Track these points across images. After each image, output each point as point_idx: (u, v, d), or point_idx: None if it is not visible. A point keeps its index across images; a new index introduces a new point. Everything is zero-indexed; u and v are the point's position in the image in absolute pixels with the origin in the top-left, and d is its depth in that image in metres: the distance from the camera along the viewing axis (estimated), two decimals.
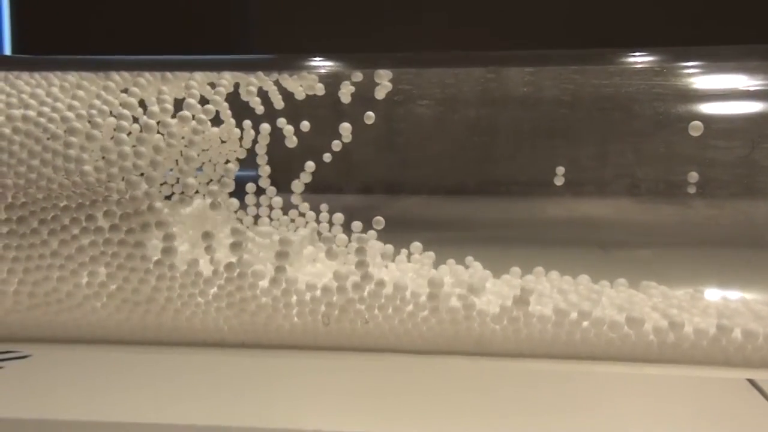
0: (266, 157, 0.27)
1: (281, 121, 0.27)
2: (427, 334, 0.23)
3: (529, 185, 0.27)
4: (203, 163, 0.26)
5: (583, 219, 0.27)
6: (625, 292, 0.25)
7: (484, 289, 0.24)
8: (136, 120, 0.25)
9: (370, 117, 0.25)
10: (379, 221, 0.23)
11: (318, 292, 0.23)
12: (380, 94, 0.26)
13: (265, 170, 0.27)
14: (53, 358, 0.25)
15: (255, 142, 0.27)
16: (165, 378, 0.22)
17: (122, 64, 0.27)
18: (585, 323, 0.23)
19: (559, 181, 0.26)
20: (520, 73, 0.25)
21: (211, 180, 0.26)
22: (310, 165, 0.27)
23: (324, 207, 0.26)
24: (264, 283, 0.23)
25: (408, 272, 0.25)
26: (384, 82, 0.26)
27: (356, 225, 0.25)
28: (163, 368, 0.23)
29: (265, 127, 0.27)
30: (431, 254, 0.25)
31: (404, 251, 0.25)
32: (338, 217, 0.25)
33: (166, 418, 0.19)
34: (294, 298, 0.23)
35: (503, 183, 0.26)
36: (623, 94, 0.25)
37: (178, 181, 0.25)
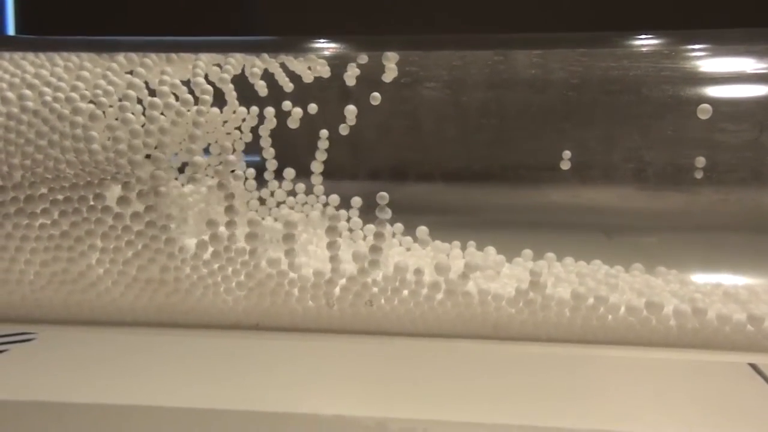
0: (270, 140, 0.27)
1: (287, 104, 0.27)
2: (443, 318, 0.23)
3: (534, 169, 0.27)
4: (209, 144, 0.26)
5: (589, 204, 0.27)
6: (640, 277, 0.25)
7: (499, 272, 0.24)
8: (140, 101, 0.25)
9: (375, 98, 0.25)
10: (383, 197, 0.23)
11: (328, 276, 0.23)
12: (387, 77, 0.26)
13: (269, 152, 0.27)
14: (60, 339, 0.25)
15: (259, 124, 0.27)
16: (172, 360, 0.22)
17: (128, 45, 0.27)
18: (602, 308, 0.23)
19: (565, 165, 0.26)
20: (528, 55, 0.25)
21: (219, 163, 0.26)
22: (316, 148, 0.27)
23: (331, 190, 0.26)
24: (274, 267, 0.23)
25: (420, 256, 0.25)
26: (390, 65, 0.26)
27: (361, 205, 0.25)
28: (171, 350, 0.23)
29: (270, 110, 0.27)
30: (442, 238, 0.25)
31: (413, 235, 0.25)
32: (357, 200, 0.25)
33: (170, 402, 0.19)
34: (305, 281, 0.23)
35: (509, 167, 0.26)
36: (631, 77, 0.24)
37: (185, 164, 0.25)
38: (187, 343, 0.23)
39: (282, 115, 0.27)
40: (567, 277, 0.24)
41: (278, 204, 0.26)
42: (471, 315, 0.23)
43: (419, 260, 0.25)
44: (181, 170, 0.25)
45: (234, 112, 0.26)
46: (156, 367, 0.22)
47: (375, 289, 0.23)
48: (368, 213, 0.26)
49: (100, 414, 0.21)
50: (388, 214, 0.23)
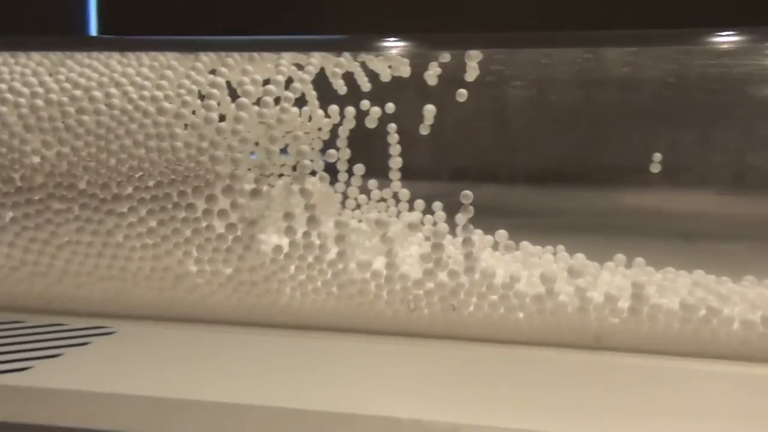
0: (347, 140, 0.27)
1: (365, 103, 0.26)
2: (537, 327, 0.23)
3: (622, 172, 0.26)
4: (287, 144, 0.26)
5: (678, 209, 0.26)
6: (752, 290, 0.23)
7: (596, 279, 0.23)
8: (222, 101, 0.25)
9: (461, 94, 0.25)
10: (467, 195, 0.23)
11: (412, 279, 0.23)
12: (470, 75, 0.25)
13: (346, 153, 0.26)
14: (138, 334, 0.25)
15: (338, 124, 0.26)
16: (254, 358, 0.22)
17: (211, 44, 0.27)
18: (714, 320, 0.22)
19: (655, 168, 0.25)
20: (620, 53, 0.24)
21: (296, 162, 0.26)
22: (396, 148, 0.26)
23: (412, 191, 0.26)
24: (362, 269, 0.23)
25: (510, 261, 0.24)
26: (473, 63, 0.25)
27: (443, 207, 0.24)
28: (254, 349, 0.23)
29: (350, 110, 0.26)
30: (527, 241, 0.25)
31: (498, 238, 0.24)
32: (438, 202, 0.25)
33: (250, 399, 0.19)
34: (395, 284, 0.23)
35: (595, 169, 0.25)
36: (733, 75, 0.23)
37: (263, 164, 0.25)
38: (271, 342, 0.23)
39: (361, 115, 0.27)
40: (671, 286, 0.23)
41: (357, 205, 0.26)
42: (569, 324, 0.22)
43: (509, 264, 0.24)
44: (264, 170, 0.25)
45: (312, 111, 0.26)
46: (238, 364, 0.22)
47: (462, 294, 0.23)
48: (449, 214, 0.25)
49: (181, 408, 0.21)
50: (470, 212, 0.23)
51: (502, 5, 0.42)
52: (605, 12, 0.41)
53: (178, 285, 0.25)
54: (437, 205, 0.25)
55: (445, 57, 0.26)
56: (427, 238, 0.24)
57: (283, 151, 0.25)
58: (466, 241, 0.22)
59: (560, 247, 0.25)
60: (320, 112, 0.26)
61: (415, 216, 0.25)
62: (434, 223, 0.24)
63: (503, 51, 0.25)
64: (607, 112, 0.25)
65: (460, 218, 0.23)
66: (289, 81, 0.25)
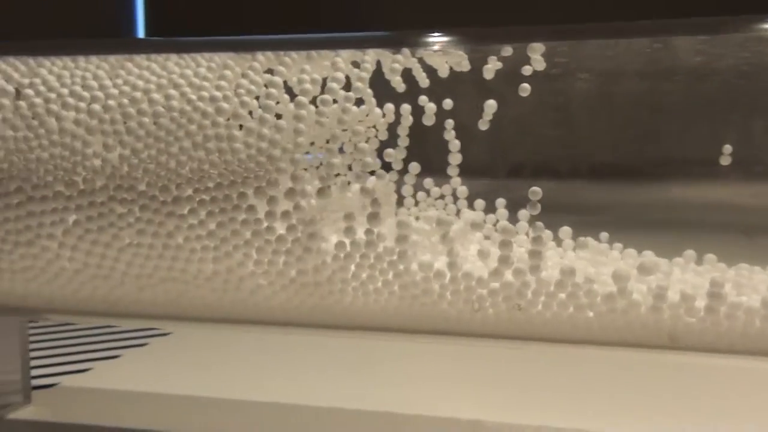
0: (408, 139, 0.26)
1: (423, 99, 0.26)
2: (608, 326, 0.22)
3: (690, 164, 0.25)
4: (343, 143, 0.26)
5: (748, 202, 0.25)
6: None
7: (668, 277, 0.22)
8: (280, 100, 0.25)
9: (525, 89, 0.24)
10: (536, 192, 0.22)
11: (476, 278, 0.22)
12: (532, 69, 0.25)
13: (403, 151, 0.26)
14: (195, 335, 0.25)
15: (396, 121, 0.26)
16: (313, 360, 0.22)
17: (267, 43, 0.27)
18: None
19: (725, 160, 0.24)
20: (691, 41, 0.23)
21: (353, 161, 0.26)
22: (455, 144, 0.26)
23: (473, 189, 0.25)
24: (424, 269, 0.23)
25: (575, 258, 0.23)
26: (536, 56, 0.25)
27: (506, 204, 0.24)
28: (313, 350, 0.22)
29: (407, 107, 0.26)
30: (599, 240, 0.24)
31: (568, 237, 0.24)
32: (501, 201, 0.24)
33: (310, 400, 0.19)
34: (458, 284, 0.23)
35: (662, 162, 0.24)
36: None
37: (321, 164, 0.25)
38: (332, 343, 0.23)
39: (418, 112, 0.26)
40: (748, 283, 0.22)
41: (416, 204, 0.26)
42: (642, 323, 0.21)
43: (576, 262, 0.23)
44: (324, 169, 0.24)
45: (370, 109, 0.26)
46: (298, 365, 0.21)
47: (529, 293, 0.22)
48: (511, 211, 0.24)
49: (240, 408, 0.21)
50: (538, 209, 0.22)
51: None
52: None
53: (239, 287, 0.25)
54: (499, 202, 0.24)
55: (507, 51, 0.25)
56: (487, 237, 0.24)
57: (341, 149, 0.25)
58: (535, 240, 0.22)
59: (621, 244, 0.24)
60: (377, 110, 0.26)
61: (477, 214, 0.24)
62: (497, 221, 0.24)
63: (566, 43, 0.24)
64: (676, 103, 0.24)
65: (527, 215, 0.22)
66: (347, 79, 0.25)
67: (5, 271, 0.27)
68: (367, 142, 0.25)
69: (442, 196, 0.26)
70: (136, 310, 0.27)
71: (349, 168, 0.25)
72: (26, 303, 0.28)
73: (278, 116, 0.24)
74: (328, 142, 0.25)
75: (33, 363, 0.37)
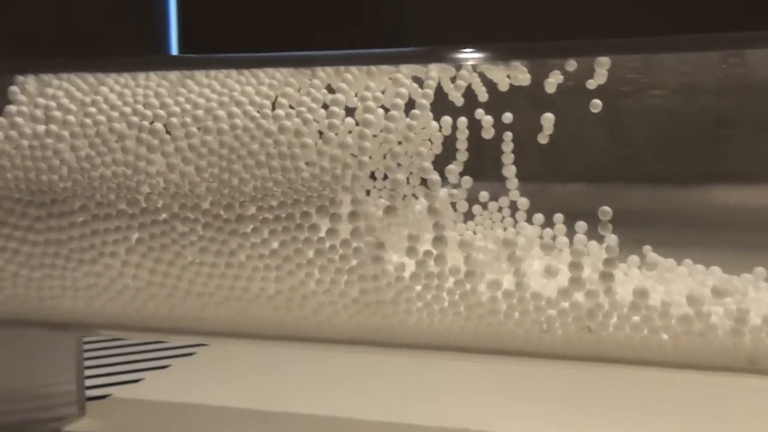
0: (467, 153, 0.26)
1: (482, 113, 0.26)
2: (687, 349, 0.21)
3: (763, 181, 0.24)
4: (405, 160, 0.25)
5: None
6: None
7: (744, 297, 0.21)
8: (342, 118, 0.25)
9: (596, 105, 0.24)
10: (606, 212, 0.22)
11: (545, 299, 0.22)
12: (596, 83, 0.24)
13: (463, 166, 0.25)
14: (247, 352, 0.25)
15: (455, 137, 0.26)
16: (377, 377, 0.21)
17: (326, 59, 0.26)
18: None
19: None
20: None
21: (410, 174, 0.25)
22: (509, 156, 0.25)
23: (537, 205, 0.25)
24: (491, 289, 0.22)
25: (645, 278, 0.23)
26: (602, 71, 0.24)
27: (580, 225, 0.23)
28: (376, 368, 0.22)
29: (465, 120, 0.26)
30: (658, 256, 0.23)
31: (638, 254, 0.23)
32: (559, 216, 0.24)
33: (377, 416, 0.18)
34: (527, 304, 0.22)
35: (741, 180, 0.24)
36: None
37: (385, 177, 0.24)
38: (395, 362, 0.22)
39: (476, 126, 0.26)
40: None
41: (481, 221, 0.25)
42: (719, 345, 0.21)
43: (645, 281, 0.23)
44: (389, 188, 0.24)
45: (427, 124, 0.26)
46: (361, 383, 0.21)
47: (600, 315, 0.22)
48: (570, 228, 0.24)
49: (290, 422, 0.21)
50: (609, 229, 0.22)
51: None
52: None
53: (302, 305, 0.25)
54: (559, 218, 0.24)
55: (571, 65, 0.25)
56: (545, 253, 0.24)
57: (399, 166, 0.25)
58: (607, 261, 0.21)
59: (690, 260, 0.24)
60: (434, 123, 0.26)
61: (545, 233, 0.24)
62: (566, 242, 0.23)
63: (636, 57, 0.24)
64: (747, 119, 0.24)
65: (599, 235, 0.22)
66: (409, 94, 0.25)
67: (69, 288, 0.27)
68: (427, 158, 0.25)
69: (501, 211, 0.25)
70: (198, 327, 0.27)
71: (412, 185, 0.25)
72: (89, 320, 0.28)
73: (342, 134, 0.24)
74: (386, 157, 0.24)
75: (85, 374, 0.38)
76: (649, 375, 0.23)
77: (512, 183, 0.25)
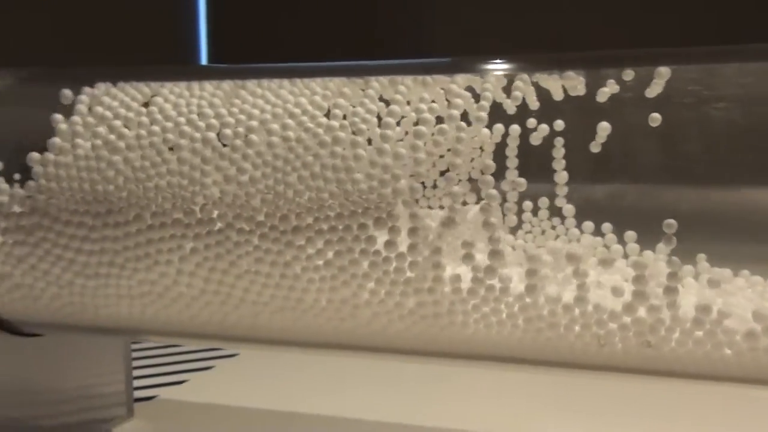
0: (517, 160, 0.26)
1: (534, 122, 0.25)
2: (752, 365, 0.21)
3: None
4: (461, 171, 0.25)
5: None
6: None
7: None
8: (396, 128, 0.25)
9: (655, 119, 0.23)
10: (671, 225, 0.21)
11: (615, 313, 0.22)
12: (653, 92, 0.24)
13: (516, 173, 0.25)
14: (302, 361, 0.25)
15: (505, 144, 0.26)
16: (433, 386, 0.21)
17: (378, 69, 0.26)
18: None
19: None
20: None
21: (464, 185, 0.25)
22: (560, 162, 0.25)
23: (592, 216, 0.25)
24: (551, 302, 0.22)
25: (703, 291, 0.23)
26: (660, 81, 0.24)
27: (637, 237, 0.23)
28: (433, 377, 0.22)
29: (517, 128, 0.25)
30: (719, 269, 0.23)
31: (704, 269, 0.23)
32: (631, 235, 0.23)
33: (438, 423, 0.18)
34: (588, 317, 0.22)
35: None
36: None
37: (439, 188, 0.24)
38: (451, 371, 0.23)
39: (527, 134, 0.26)
40: None
41: (522, 228, 0.25)
42: None
43: (704, 294, 0.22)
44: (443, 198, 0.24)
45: (486, 134, 0.25)
46: (418, 391, 0.21)
47: (662, 330, 0.21)
48: (628, 240, 0.24)
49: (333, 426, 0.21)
50: (673, 243, 0.21)
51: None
52: None
53: (356, 316, 0.25)
54: (634, 237, 0.23)
55: (628, 74, 0.24)
56: (605, 267, 0.23)
57: (443, 175, 0.25)
58: (671, 275, 0.21)
59: (747, 271, 0.24)
60: (485, 131, 0.26)
61: (604, 244, 0.23)
62: (626, 254, 0.23)
63: (695, 68, 0.23)
64: None
65: (663, 249, 0.22)
66: (464, 105, 0.25)
67: (124, 296, 0.27)
68: (483, 169, 0.25)
69: (555, 222, 0.25)
70: (251, 335, 0.27)
71: (466, 195, 0.24)
72: (143, 327, 0.28)
73: (394, 144, 0.24)
74: (442, 171, 0.24)
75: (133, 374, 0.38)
76: (705, 388, 0.23)
77: (562, 190, 0.25)
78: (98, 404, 0.36)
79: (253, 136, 0.25)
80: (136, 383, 0.40)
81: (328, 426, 0.36)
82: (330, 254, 0.24)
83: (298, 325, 0.26)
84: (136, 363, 0.43)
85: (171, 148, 0.26)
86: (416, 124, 0.24)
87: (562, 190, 0.25)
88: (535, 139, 0.25)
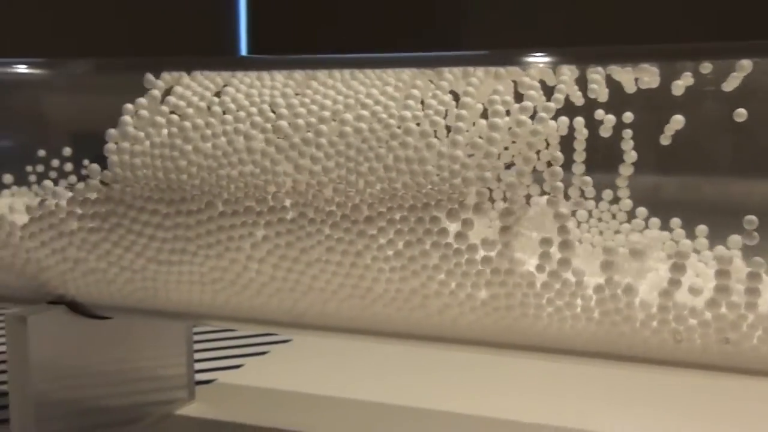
0: (584, 154, 0.26)
1: (602, 113, 0.25)
2: None
3: None
4: (534, 162, 0.25)
5: None
6: None
7: None
8: (470, 120, 0.25)
9: (741, 114, 0.23)
10: (752, 221, 0.21)
11: (697, 309, 0.22)
12: (729, 86, 0.24)
13: (582, 168, 0.25)
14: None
15: (571, 136, 0.26)
16: (504, 378, 0.22)
17: (451, 60, 0.26)
18: None
19: None
20: None
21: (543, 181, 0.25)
22: (630, 154, 0.25)
23: (663, 211, 0.25)
24: (627, 295, 0.22)
25: None
26: (740, 75, 0.23)
27: (701, 229, 0.23)
28: (503, 369, 0.22)
29: (582, 120, 0.25)
30: None
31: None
32: (702, 229, 0.23)
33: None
34: (665, 313, 0.22)
35: None
36: None
37: (512, 185, 0.24)
38: (522, 363, 0.23)
39: (595, 126, 0.26)
40: None
41: (617, 227, 0.25)
42: None
43: None
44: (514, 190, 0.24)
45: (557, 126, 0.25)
46: (486, 382, 0.21)
47: (744, 326, 0.21)
48: (700, 235, 0.24)
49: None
50: (755, 239, 0.21)
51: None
52: None
53: (426, 306, 0.25)
54: (705, 232, 0.23)
55: (706, 67, 0.24)
56: (672, 260, 0.23)
57: (508, 167, 0.25)
58: (752, 274, 0.21)
59: None
60: (552, 123, 0.25)
61: (683, 240, 0.23)
62: (702, 249, 0.23)
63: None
64: None
65: (742, 245, 0.22)
66: (537, 97, 0.25)
67: (196, 282, 0.28)
68: (554, 161, 0.25)
69: (627, 215, 0.25)
70: (319, 323, 0.27)
71: (540, 188, 0.24)
72: (213, 312, 0.29)
73: (467, 136, 0.24)
74: (508, 164, 0.24)
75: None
76: None
77: (623, 183, 0.25)
78: (161, 386, 0.36)
79: (323, 126, 0.26)
80: (195, 367, 0.41)
81: (380, 411, 0.36)
82: (401, 244, 0.25)
83: (366, 313, 0.26)
84: (195, 346, 0.44)
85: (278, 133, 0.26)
86: (489, 116, 0.24)
87: (622, 182, 0.25)
88: (605, 131, 0.25)
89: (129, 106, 0.28)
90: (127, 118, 0.28)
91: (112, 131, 0.28)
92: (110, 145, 0.28)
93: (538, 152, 0.25)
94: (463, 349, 0.26)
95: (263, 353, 0.44)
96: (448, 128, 0.25)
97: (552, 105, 0.24)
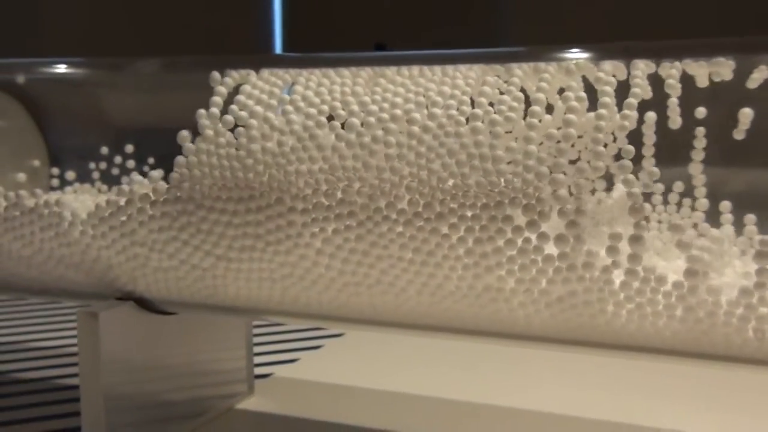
0: (653, 149, 0.25)
1: (676, 110, 0.25)
2: None
3: None
4: (579, 151, 0.25)
5: None
6: None
7: None
8: (542, 116, 0.24)
9: None
10: None
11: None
12: None
13: (652, 162, 0.25)
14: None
15: (639, 130, 0.25)
16: (577, 374, 0.22)
17: (520, 55, 0.26)
18: None
19: None
20: None
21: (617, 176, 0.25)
22: (700, 153, 0.25)
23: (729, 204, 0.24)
24: (711, 293, 0.22)
25: None
26: None
27: None
28: (577, 365, 0.22)
29: (652, 115, 0.25)
30: None
31: None
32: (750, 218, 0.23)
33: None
34: (750, 310, 0.22)
35: None
36: None
37: (586, 180, 0.24)
38: (596, 360, 0.23)
39: (668, 120, 0.25)
40: None
41: (695, 225, 0.25)
42: None
43: None
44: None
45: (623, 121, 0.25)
46: (552, 377, 0.21)
47: None
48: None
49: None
50: None
51: None
52: None
53: (497, 301, 0.25)
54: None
55: None
56: (751, 257, 0.23)
57: (573, 163, 0.25)
58: None
59: None
60: (616, 118, 0.25)
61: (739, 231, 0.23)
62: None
63: None
64: None
65: None
66: (611, 92, 0.24)
67: (266, 279, 0.28)
68: (628, 156, 0.24)
69: (702, 210, 0.25)
70: (388, 319, 0.27)
71: (616, 183, 0.24)
72: (282, 308, 0.29)
73: (540, 133, 0.24)
74: (576, 160, 0.24)
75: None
76: None
77: (699, 179, 0.25)
78: (222, 380, 0.37)
79: (392, 125, 0.26)
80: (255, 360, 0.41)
81: (432, 405, 0.37)
82: (472, 241, 0.25)
83: (435, 310, 0.26)
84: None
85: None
86: (563, 112, 0.24)
87: (697, 178, 0.25)
88: (672, 123, 0.25)
89: (200, 104, 0.28)
90: (198, 117, 0.28)
91: (183, 132, 0.28)
92: (185, 144, 0.28)
93: (604, 146, 0.24)
94: (535, 347, 0.26)
95: (317, 347, 0.45)
96: (522, 124, 0.24)
97: (633, 101, 0.24)
